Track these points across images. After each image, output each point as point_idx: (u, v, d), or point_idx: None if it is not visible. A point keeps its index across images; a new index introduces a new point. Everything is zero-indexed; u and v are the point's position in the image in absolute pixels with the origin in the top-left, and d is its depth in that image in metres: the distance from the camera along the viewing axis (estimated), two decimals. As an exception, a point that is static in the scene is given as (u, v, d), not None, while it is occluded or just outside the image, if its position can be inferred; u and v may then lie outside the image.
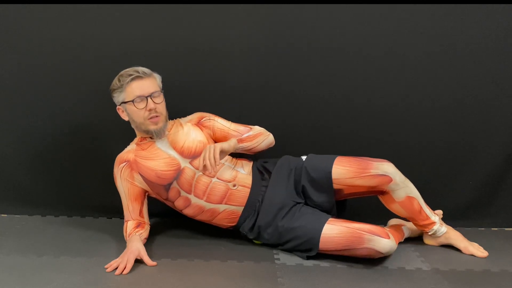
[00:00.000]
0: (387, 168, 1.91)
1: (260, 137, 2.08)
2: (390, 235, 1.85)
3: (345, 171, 1.94)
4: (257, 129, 2.10)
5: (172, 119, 2.11)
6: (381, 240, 1.81)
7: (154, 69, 2.03)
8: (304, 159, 2.05)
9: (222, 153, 1.93)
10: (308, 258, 1.92)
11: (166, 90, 2.05)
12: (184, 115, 2.14)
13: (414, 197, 1.96)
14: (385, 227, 2.05)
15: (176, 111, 2.12)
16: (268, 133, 2.11)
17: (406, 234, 2.12)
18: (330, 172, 1.95)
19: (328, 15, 2.24)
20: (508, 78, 2.27)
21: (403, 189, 1.93)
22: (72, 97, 2.31)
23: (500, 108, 2.29)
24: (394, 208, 1.99)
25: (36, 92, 2.32)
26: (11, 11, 2.26)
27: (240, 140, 2.03)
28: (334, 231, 1.86)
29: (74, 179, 2.38)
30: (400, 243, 2.04)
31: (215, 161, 1.85)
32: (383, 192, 1.96)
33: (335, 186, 1.96)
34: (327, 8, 2.24)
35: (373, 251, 1.82)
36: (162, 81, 2.04)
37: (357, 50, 2.27)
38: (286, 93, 2.31)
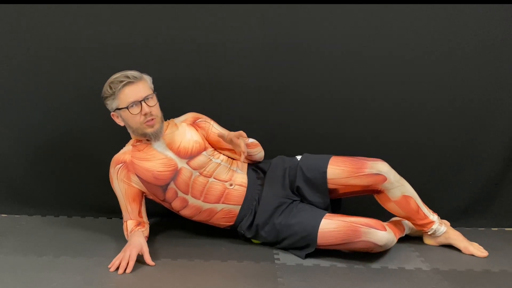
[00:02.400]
0: (381, 167, 1.92)
1: (258, 147, 2.09)
2: (387, 227, 1.86)
3: (339, 171, 1.95)
4: (254, 140, 2.08)
5: (167, 119, 2.09)
6: (377, 232, 1.82)
7: (153, 69, 2.03)
8: (298, 159, 2.05)
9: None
10: (307, 256, 1.93)
11: (163, 90, 2.05)
12: (181, 115, 2.13)
13: (411, 196, 1.96)
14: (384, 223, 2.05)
15: (173, 111, 2.12)
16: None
17: (407, 229, 2.12)
18: (325, 172, 1.96)
19: (326, 16, 2.24)
20: (508, 78, 2.27)
21: (398, 188, 1.94)
22: (72, 97, 2.32)
23: (499, 108, 2.29)
24: (390, 207, 2.00)
25: (36, 92, 2.32)
26: (11, 11, 2.26)
27: (248, 145, 2.01)
28: (331, 226, 1.87)
29: (74, 179, 2.38)
30: (400, 242, 2.05)
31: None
32: (378, 191, 1.96)
33: (330, 186, 1.97)
34: (324, 8, 2.24)
35: (370, 244, 1.83)
36: (160, 82, 2.04)
37: (355, 50, 2.27)
38: (281, 94, 2.31)
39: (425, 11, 2.23)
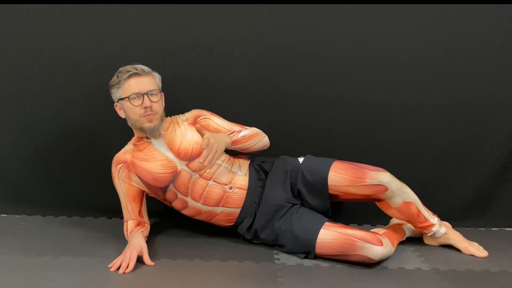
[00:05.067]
0: (383, 178, 1.88)
1: (255, 137, 2.06)
2: (385, 241, 1.85)
3: (340, 178, 1.92)
4: (253, 129, 2.08)
5: (169, 115, 2.09)
6: (373, 247, 1.81)
7: (153, 68, 2.03)
8: (301, 161, 2.03)
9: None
10: (306, 257, 1.93)
11: (166, 89, 2.05)
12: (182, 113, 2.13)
13: (412, 202, 1.94)
14: (382, 228, 2.05)
15: (175, 110, 2.12)
16: (264, 134, 2.10)
17: (408, 233, 2.12)
18: (326, 178, 1.93)
19: (327, 15, 2.24)
20: (508, 78, 2.27)
21: (400, 196, 1.91)
22: (71, 96, 2.32)
23: (499, 107, 2.29)
24: (391, 213, 1.99)
25: (36, 92, 2.32)
26: (11, 11, 2.26)
27: (235, 142, 2.00)
28: (329, 237, 1.86)
29: (74, 179, 2.38)
30: (400, 243, 2.05)
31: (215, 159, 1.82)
32: (379, 200, 1.95)
33: (330, 191, 1.95)
34: (326, 8, 2.24)
35: (365, 258, 1.82)
36: (162, 81, 2.04)
37: (356, 50, 2.27)
38: (284, 93, 2.31)
39: (425, 11, 2.23)
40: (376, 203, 1.99)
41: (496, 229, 2.32)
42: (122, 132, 2.10)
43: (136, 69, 1.92)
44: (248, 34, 2.27)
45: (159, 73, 2.04)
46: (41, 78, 2.31)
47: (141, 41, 2.27)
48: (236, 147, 2.02)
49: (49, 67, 2.30)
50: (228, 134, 1.98)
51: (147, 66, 2.01)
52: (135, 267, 1.79)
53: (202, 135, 1.83)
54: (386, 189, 1.88)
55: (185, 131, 2.02)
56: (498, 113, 2.30)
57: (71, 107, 2.33)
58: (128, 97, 1.91)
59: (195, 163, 1.99)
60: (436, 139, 2.32)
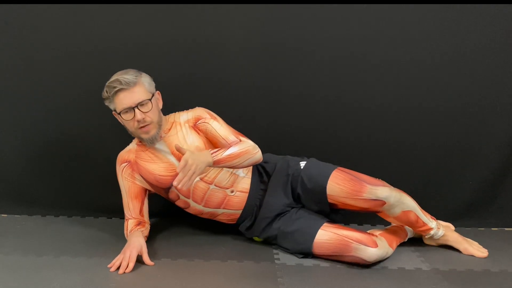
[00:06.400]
0: (380, 193, 1.85)
1: (244, 155, 1.90)
2: (381, 242, 1.85)
3: (338, 189, 1.90)
4: (245, 145, 1.93)
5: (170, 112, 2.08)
6: (367, 249, 1.81)
7: (153, 69, 2.02)
8: (302, 166, 2.01)
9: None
10: (305, 257, 1.93)
11: (166, 89, 2.04)
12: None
13: (410, 210, 1.93)
14: (382, 229, 2.05)
15: (175, 110, 2.11)
16: (256, 150, 1.94)
17: (410, 234, 2.11)
18: (325, 188, 1.92)
19: (328, 16, 2.24)
20: (508, 78, 2.27)
21: (398, 207, 1.90)
22: (72, 97, 2.32)
23: (499, 108, 2.29)
24: (390, 220, 2.00)
25: (36, 92, 2.32)
26: (11, 11, 2.26)
27: (219, 161, 1.84)
28: (325, 237, 1.87)
29: (74, 179, 2.38)
30: (400, 243, 2.05)
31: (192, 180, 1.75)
32: (377, 211, 1.93)
33: (329, 199, 1.94)
34: (326, 8, 2.24)
35: (359, 259, 1.82)
36: (163, 81, 2.03)
37: (356, 51, 2.27)
38: (285, 94, 2.31)
39: (425, 12, 2.23)
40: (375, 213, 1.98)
41: (496, 229, 2.31)
42: (123, 132, 2.10)
43: (121, 83, 1.85)
44: (251, 35, 2.27)
45: (161, 74, 2.02)
46: (42, 79, 2.31)
47: (141, 41, 2.26)
48: (221, 165, 1.86)
49: (49, 68, 2.30)
50: (212, 153, 1.83)
51: (148, 66, 2.00)
52: (135, 267, 1.79)
53: (182, 154, 1.76)
54: (384, 203, 1.87)
55: (186, 134, 2.00)
56: (498, 114, 2.29)
57: (71, 108, 2.32)
58: (120, 113, 1.90)
59: None
60: (436, 139, 2.32)
